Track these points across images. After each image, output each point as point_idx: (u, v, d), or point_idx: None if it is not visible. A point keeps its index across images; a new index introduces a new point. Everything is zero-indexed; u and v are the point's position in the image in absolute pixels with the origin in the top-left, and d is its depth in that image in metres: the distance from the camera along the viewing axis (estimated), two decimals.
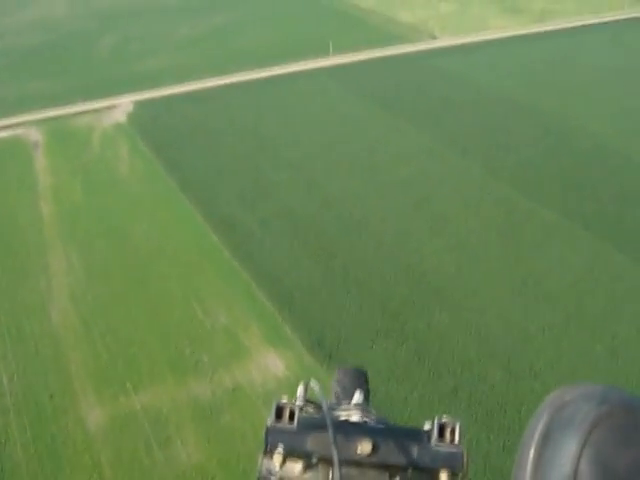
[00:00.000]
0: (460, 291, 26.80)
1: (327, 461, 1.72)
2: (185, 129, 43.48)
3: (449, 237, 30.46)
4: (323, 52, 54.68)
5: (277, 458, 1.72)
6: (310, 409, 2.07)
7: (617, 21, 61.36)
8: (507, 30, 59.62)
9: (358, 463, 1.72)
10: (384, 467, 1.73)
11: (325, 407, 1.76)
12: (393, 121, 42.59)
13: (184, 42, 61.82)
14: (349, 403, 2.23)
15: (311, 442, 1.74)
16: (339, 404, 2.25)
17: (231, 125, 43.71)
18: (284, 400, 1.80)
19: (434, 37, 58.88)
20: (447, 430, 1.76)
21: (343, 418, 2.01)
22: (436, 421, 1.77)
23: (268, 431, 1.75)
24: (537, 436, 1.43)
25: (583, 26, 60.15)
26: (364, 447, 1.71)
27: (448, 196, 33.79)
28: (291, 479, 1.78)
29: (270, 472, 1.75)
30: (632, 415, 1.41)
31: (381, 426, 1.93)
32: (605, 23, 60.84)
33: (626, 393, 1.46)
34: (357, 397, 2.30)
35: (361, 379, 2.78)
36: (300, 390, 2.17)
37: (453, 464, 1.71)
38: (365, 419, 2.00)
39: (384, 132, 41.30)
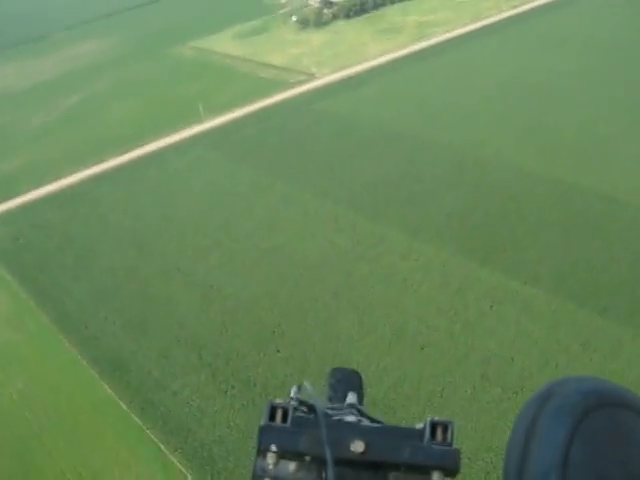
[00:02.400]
0: None
1: (320, 460, 1.71)
2: (52, 245, 36.91)
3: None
4: (195, 116, 48.90)
5: (271, 457, 1.72)
6: (303, 409, 1.91)
7: (499, 22, 57.99)
8: (388, 53, 55.24)
9: (351, 462, 1.71)
10: (377, 466, 1.72)
11: (318, 407, 1.80)
12: (282, 188, 37.37)
13: (39, 133, 54.52)
14: (343, 404, 2.22)
15: (304, 441, 1.73)
16: (333, 405, 2.23)
17: (104, 230, 37.47)
18: (277, 400, 1.79)
19: (312, 75, 53.88)
20: (439, 430, 1.74)
21: (337, 418, 1.96)
22: (428, 421, 1.75)
23: (262, 430, 1.74)
24: (526, 426, 1.45)
25: (467, 34, 56.44)
26: (357, 446, 1.70)
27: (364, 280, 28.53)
28: (285, 478, 1.76)
29: (264, 471, 1.73)
30: (620, 407, 1.43)
31: (374, 426, 1.89)
32: (487, 26, 57.34)
33: (614, 385, 1.48)
34: (350, 398, 2.27)
35: (355, 381, 2.65)
36: (293, 391, 2.05)
37: (447, 463, 1.70)
38: (358, 419, 1.97)
39: (276, 205, 35.92)
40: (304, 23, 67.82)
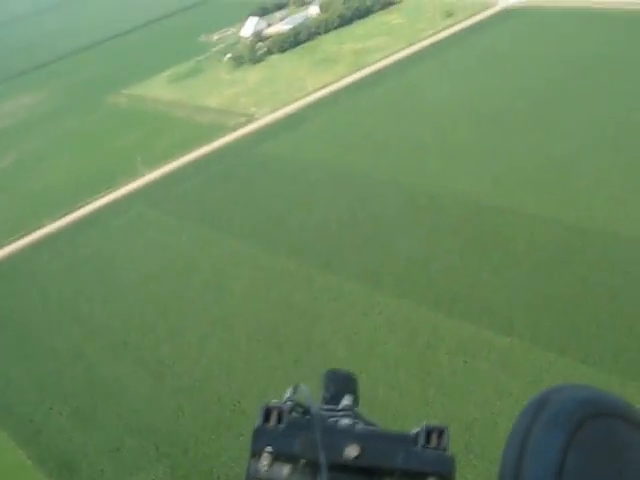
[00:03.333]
0: None
1: (315, 464, 1.68)
2: None
3: None
4: (133, 169, 46.54)
5: (265, 459, 1.69)
6: (298, 412, 1.88)
7: (437, 43, 56.89)
8: (327, 86, 53.64)
9: (345, 466, 1.68)
10: (371, 471, 1.69)
11: (313, 410, 1.79)
12: (230, 243, 35.39)
13: None
14: (338, 407, 2.13)
15: (299, 444, 1.71)
16: (328, 407, 2.13)
17: (45, 305, 35.12)
18: (272, 402, 1.76)
19: (252, 116, 51.90)
20: (434, 435, 1.72)
21: (332, 421, 1.91)
22: (424, 426, 1.73)
23: (256, 432, 1.72)
24: (521, 434, 1.43)
25: (406, 58, 55.21)
26: (351, 450, 1.68)
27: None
28: None
29: (257, 473, 1.70)
30: (617, 417, 1.41)
31: (369, 430, 1.86)
32: (426, 49, 56.18)
33: (610, 395, 1.47)
34: (346, 400, 2.21)
35: (351, 383, 2.45)
36: (288, 393, 1.99)
37: (441, 469, 1.68)
38: (354, 423, 1.90)
39: (224, 263, 33.83)
40: (239, 60, 66.00)
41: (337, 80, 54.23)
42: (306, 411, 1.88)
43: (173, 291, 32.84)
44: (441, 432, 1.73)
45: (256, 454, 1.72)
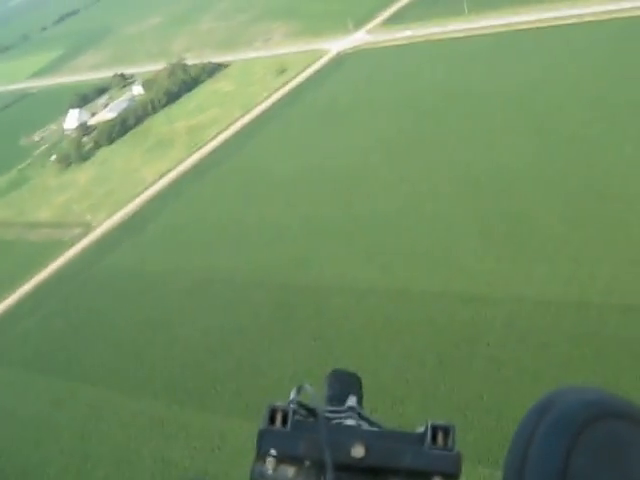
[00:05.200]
0: None
1: (320, 465, 1.64)
2: None
3: None
4: None
5: (270, 462, 1.64)
6: (303, 412, 1.81)
7: (273, 106, 53.39)
8: (165, 174, 48.72)
9: (351, 467, 1.65)
10: (377, 471, 1.67)
11: (319, 411, 1.75)
12: (87, 394, 29.78)
13: None
14: (343, 407, 2.03)
15: (304, 446, 1.67)
16: (332, 407, 2.02)
17: None
18: (277, 404, 1.70)
19: (89, 225, 46.13)
20: (440, 434, 1.67)
21: (336, 422, 1.87)
22: (429, 425, 1.68)
23: (261, 434, 1.66)
24: (525, 436, 1.42)
25: (244, 128, 51.31)
26: (357, 451, 1.64)
27: None
28: None
29: (262, 476, 1.64)
30: (621, 418, 1.40)
31: (374, 430, 1.84)
32: (263, 114, 52.49)
33: (615, 396, 1.45)
34: (351, 401, 2.09)
35: (355, 383, 2.31)
36: (293, 393, 1.87)
37: (448, 468, 1.64)
38: (359, 423, 1.88)
39: (85, 420, 28.44)
40: (65, 161, 59.83)
41: (175, 166, 49.47)
42: (311, 412, 1.78)
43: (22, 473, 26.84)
44: (447, 431, 1.66)
45: (261, 456, 1.64)
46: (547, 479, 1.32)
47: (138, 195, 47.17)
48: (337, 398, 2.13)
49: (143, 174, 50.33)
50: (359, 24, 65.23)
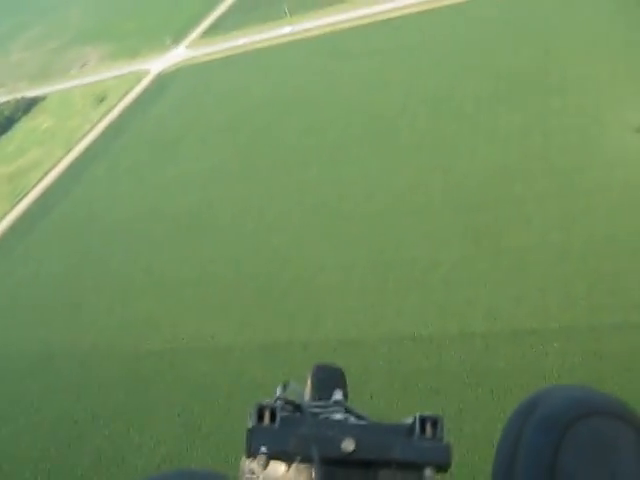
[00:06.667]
0: None
1: (310, 460, 1.67)
2: None
3: None
4: None
5: (260, 460, 1.65)
6: (291, 409, 1.84)
7: (96, 142, 49.25)
8: None
9: (341, 461, 1.66)
10: (368, 464, 1.68)
11: (305, 406, 1.79)
12: None
13: None
14: (329, 401, 2.07)
15: (293, 442, 1.68)
16: (318, 403, 2.06)
17: None
18: (264, 401, 1.73)
19: None
20: (429, 425, 1.70)
21: (324, 416, 1.87)
22: (418, 416, 1.71)
23: (250, 433, 1.68)
24: (512, 436, 1.45)
25: (72, 167, 46.91)
26: (347, 445, 1.66)
27: None
28: None
29: (253, 474, 1.67)
30: (607, 416, 1.42)
31: (363, 423, 1.84)
32: (86, 153, 48.34)
33: (601, 394, 1.47)
34: (337, 395, 2.12)
35: (339, 377, 2.39)
36: (279, 390, 1.96)
37: (439, 459, 1.66)
38: (346, 417, 1.89)
39: None
40: None
41: None
42: (298, 408, 1.81)
43: None
44: (435, 421, 1.68)
45: (251, 455, 1.66)
46: (536, 476, 1.32)
47: None
48: (323, 393, 2.11)
49: None
50: (177, 39, 61.84)
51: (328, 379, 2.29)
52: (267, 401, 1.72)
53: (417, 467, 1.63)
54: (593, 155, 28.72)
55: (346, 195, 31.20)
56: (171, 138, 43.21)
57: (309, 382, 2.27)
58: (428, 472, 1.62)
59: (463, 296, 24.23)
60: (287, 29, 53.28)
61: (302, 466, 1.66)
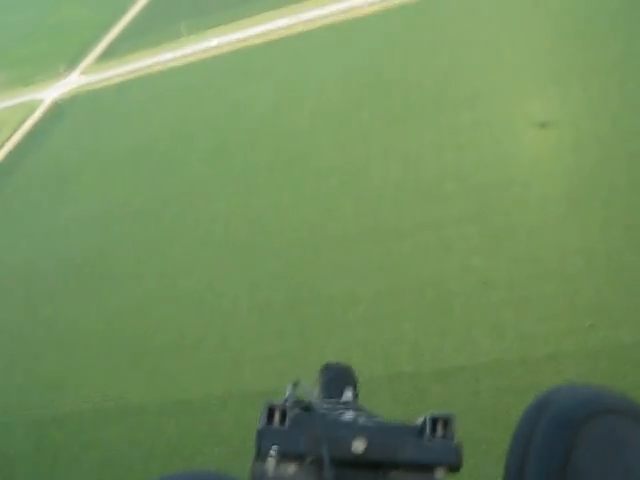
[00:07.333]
0: None
1: (321, 461, 1.60)
2: None
3: None
4: None
5: (271, 461, 1.61)
6: (300, 409, 1.77)
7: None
8: None
9: (352, 462, 1.61)
10: (378, 465, 1.62)
11: (316, 405, 1.76)
12: None
13: None
14: (339, 401, 2.15)
15: (304, 442, 1.63)
16: (329, 402, 2.12)
17: None
18: (274, 402, 1.70)
19: None
20: (440, 424, 1.65)
21: (334, 416, 1.82)
22: (428, 416, 1.66)
23: (260, 434, 1.64)
24: (524, 436, 1.44)
25: None
26: (358, 445, 1.61)
27: None
28: None
29: (264, 475, 1.61)
30: (620, 414, 1.41)
31: (374, 423, 1.76)
32: None
33: (612, 392, 1.48)
34: (347, 394, 2.22)
35: (349, 376, 2.53)
36: (289, 390, 1.88)
37: (450, 459, 1.61)
38: (357, 416, 1.83)
39: None
40: None
41: None
42: (308, 407, 1.76)
43: None
44: (446, 421, 1.63)
45: (261, 455, 1.62)
46: (548, 475, 1.31)
47: None
48: (333, 392, 2.17)
49: None
50: (71, 65, 59.02)
51: (338, 377, 2.33)
52: (277, 401, 1.67)
53: (428, 468, 1.56)
54: (508, 168, 28.05)
55: (257, 228, 29.49)
56: (67, 174, 40.35)
57: (319, 381, 2.28)
58: (439, 473, 1.56)
59: (387, 334, 22.99)
60: (187, 49, 51.48)
61: (313, 467, 1.57)
